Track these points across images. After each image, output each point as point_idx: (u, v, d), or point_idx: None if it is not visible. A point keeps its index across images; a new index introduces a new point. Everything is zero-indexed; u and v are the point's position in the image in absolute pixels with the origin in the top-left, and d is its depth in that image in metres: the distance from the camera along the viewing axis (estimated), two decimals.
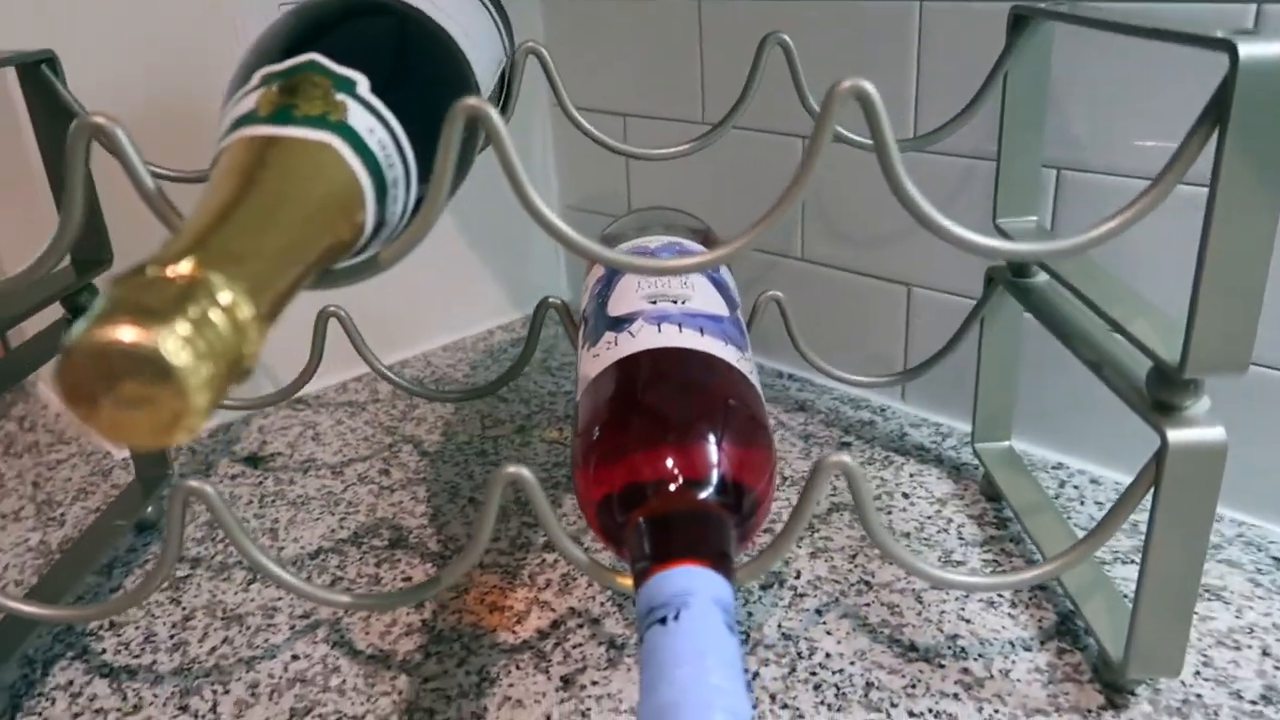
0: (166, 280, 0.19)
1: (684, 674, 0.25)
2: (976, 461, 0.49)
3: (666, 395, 0.35)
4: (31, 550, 0.48)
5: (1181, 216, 0.35)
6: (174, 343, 0.18)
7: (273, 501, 0.51)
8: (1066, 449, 0.51)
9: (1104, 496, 0.48)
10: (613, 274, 0.42)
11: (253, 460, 0.55)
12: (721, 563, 0.29)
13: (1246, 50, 0.26)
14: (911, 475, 0.50)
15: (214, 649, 0.40)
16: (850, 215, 0.56)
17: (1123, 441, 0.47)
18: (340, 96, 0.27)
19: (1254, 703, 0.35)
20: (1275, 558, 0.43)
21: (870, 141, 0.27)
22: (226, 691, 0.38)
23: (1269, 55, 0.26)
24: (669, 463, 0.32)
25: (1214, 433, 0.30)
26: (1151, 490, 0.31)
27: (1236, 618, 0.39)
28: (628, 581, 0.33)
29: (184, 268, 0.20)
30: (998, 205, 0.44)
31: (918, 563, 0.33)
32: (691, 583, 0.28)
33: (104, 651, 0.41)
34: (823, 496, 0.42)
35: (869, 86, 0.26)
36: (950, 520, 0.46)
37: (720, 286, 0.42)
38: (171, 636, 0.41)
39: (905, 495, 0.49)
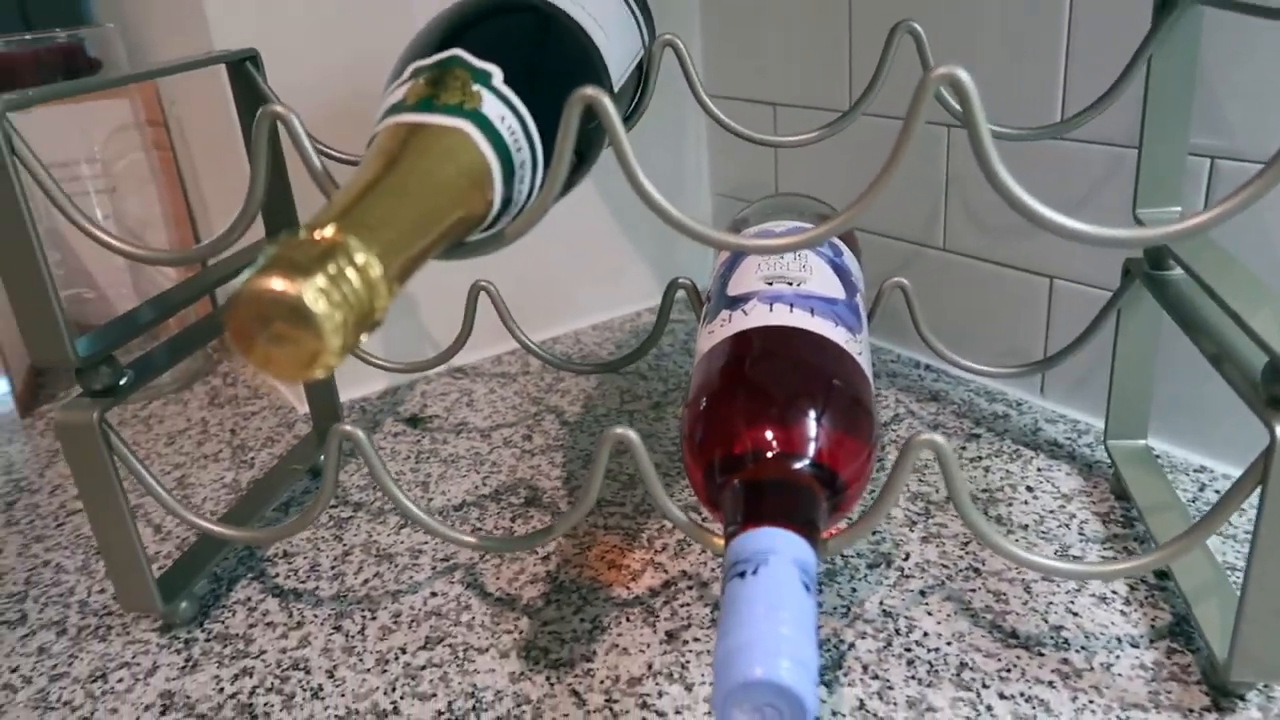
0: (313, 241, 0.23)
1: (757, 622, 0.27)
2: (1109, 459, 0.48)
3: (772, 371, 0.37)
4: (225, 487, 0.55)
5: None
6: (313, 293, 0.22)
7: (427, 458, 0.56)
8: (1211, 452, 0.49)
9: (1248, 502, 0.46)
10: (736, 256, 0.44)
11: (413, 420, 0.61)
12: (807, 529, 0.31)
13: None
14: (1039, 470, 0.50)
15: (366, 581, 0.46)
16: (993, 205, 0.56)
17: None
18: (476, 87, 0.31)
19: None
20: None
21: (964, 122, 0.28)
22: (374, 618, 0.43)
23: None
24: (767, 434, 0.34)
25: None
26: (1260, 487, 0.30)
27: None
28: (721, 541, 0.35)
29: (327, 231, 0.24)
30: (1138, 194, 0.43)
31: (995, 535, 0.33)
32: (775, 543, 0.30)
33: (277, 575, 0.47)
34: (910, 474, 0.43)
35: (962, 74, 0.27)
36: (1073, 516, 0.46)
37: (840, 271, 0.43)
38: (333, 568, 0.47)
39: (1029, 489, 0.48)
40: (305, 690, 0.39)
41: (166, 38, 0.67)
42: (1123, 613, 0.39)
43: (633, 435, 0.34)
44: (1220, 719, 0.34)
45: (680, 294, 0.49)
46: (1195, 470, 0.48)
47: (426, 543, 0.48)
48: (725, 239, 0.30)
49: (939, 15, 0.54)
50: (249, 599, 0.45)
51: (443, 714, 0.37)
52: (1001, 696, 0.36)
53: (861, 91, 0.43)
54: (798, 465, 0.34)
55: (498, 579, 0.45)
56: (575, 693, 0.38)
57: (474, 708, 0.37)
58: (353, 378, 0.64)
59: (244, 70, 0.47)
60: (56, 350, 0.36)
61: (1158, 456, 0.48)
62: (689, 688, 0.37)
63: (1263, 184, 0.27)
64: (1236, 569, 0.41)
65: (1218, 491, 0.47)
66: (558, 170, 0.30)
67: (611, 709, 0.37)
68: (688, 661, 0.39)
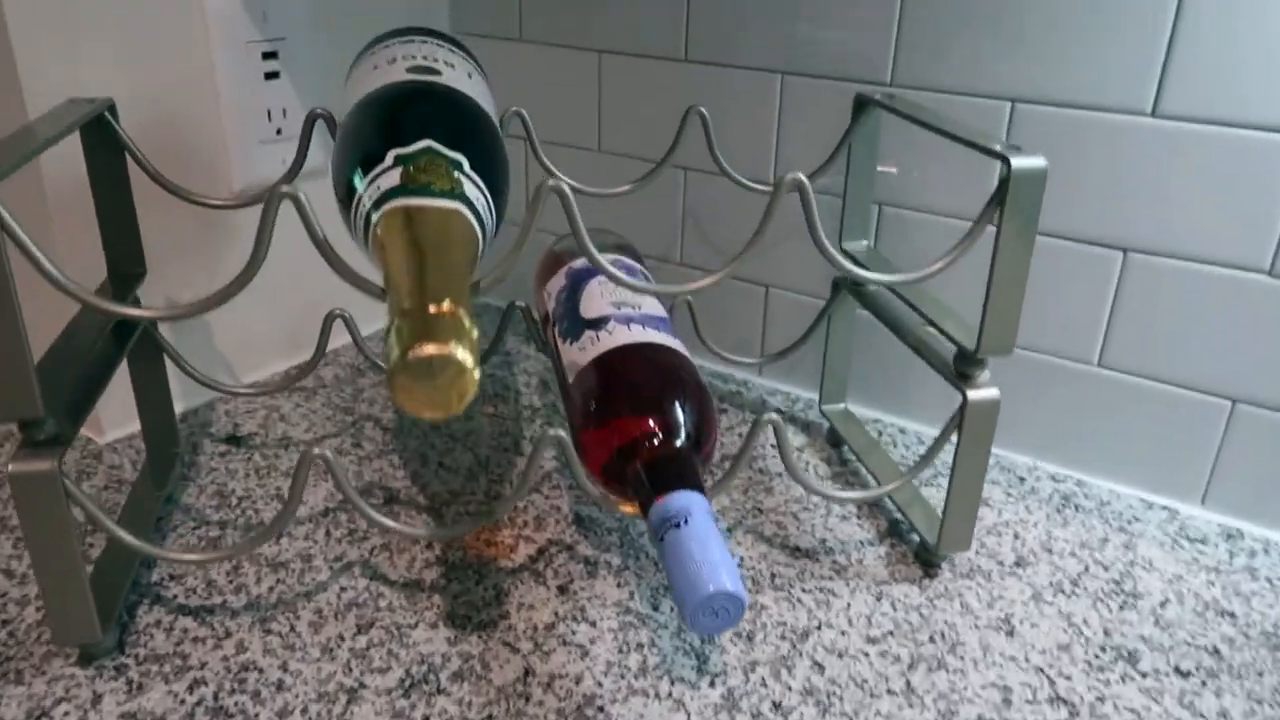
0: (442, 314, 0.32)
1: (700, 555, 0.40)
2: (822, 419, 0.67)
3: (643, 378, 0.49)
4: None
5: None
6: (463, 351, 0.31)
7: (268, 472, 0.60)
8: (882, 410, 0.69)
9: (908, 441, 0.67)
10: (577, 283, 0.55)
11: (233, 440, 0.64)
12: (699, 486, 0.44)
13: (1016, 162, 0.44)
14: None
15: (271, 589, 0.50)
16: (720, 231, 0.72)
17: (919, 405, 0.66)
18: (456, 174, 0.39)
19: (1010, 567, 0.54)
20: (1020, 477, 0.63)
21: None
22: (298, 618, 0.49)
23: (1028, 165, 0.44)
24: (653, 424, 0.47)
25: (993, 392, 0.48)
26: (957, 430, 0.49)
27: (997, 516, 0.59)
28: (627, 508, 0.47)
29: (446, 306, 0.32)
30: (843, 232, 0.61)
31: (815, 483, 0.49)
32: (688, 501, 0.43)
33: (175, 597, 0.50)
34: (758, 443, 0.57)
35: (804, 178, 0.42)
36: (808, 462, 0.64)
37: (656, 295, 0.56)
38: (230, 582, 0.51)
39: (771, 446, 0.65)
40: (267, 686, 0.44)
41: None
42: (859, 525, 0.57)
43: (565, 435, 0.44)
44: (930, 581, 0.53)
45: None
46: (872, 422, 0.69)
47: (312, 547, 0.54)
48: (662, 288, 0.41)
49: (672, 87, 0.69)
50: (159, 621, 0.48)
51: (404, 680, 0.45)
52: (804, 591, 0.52)
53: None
54: (678, 443, 0.46)
55: (395, 569, 0.52)
56: (507, 643, 0.47)
57: (429, 670, 0.45)
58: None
59: (102, 120, 0.48)
60: (26, 405, 0.38)
61: (853, 413, 0.68)
62: (593, 624, 0.49)
63: (958, 252, 0.45)
64: (920, 486, 0.61)
65: (889, 436, 0.67)
66: (526, 233, 0.40)
67: (541, 650, 0.47)
68: (583, 605, 0.50)
